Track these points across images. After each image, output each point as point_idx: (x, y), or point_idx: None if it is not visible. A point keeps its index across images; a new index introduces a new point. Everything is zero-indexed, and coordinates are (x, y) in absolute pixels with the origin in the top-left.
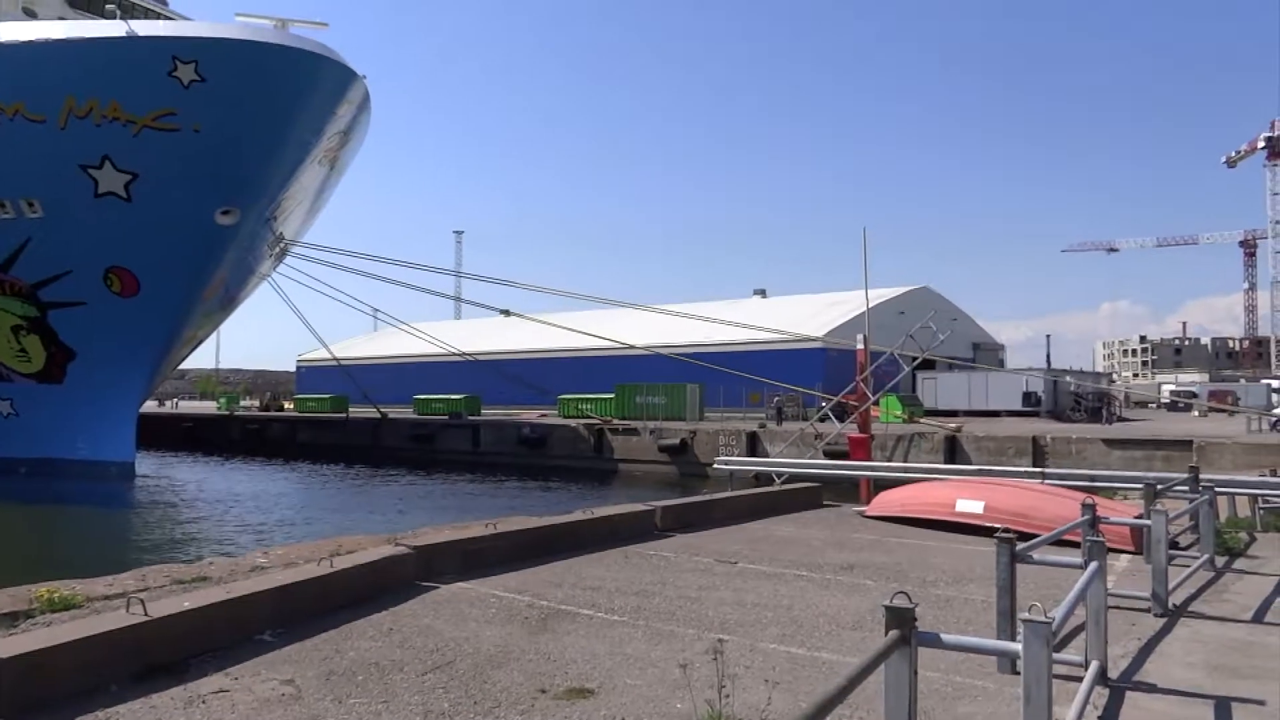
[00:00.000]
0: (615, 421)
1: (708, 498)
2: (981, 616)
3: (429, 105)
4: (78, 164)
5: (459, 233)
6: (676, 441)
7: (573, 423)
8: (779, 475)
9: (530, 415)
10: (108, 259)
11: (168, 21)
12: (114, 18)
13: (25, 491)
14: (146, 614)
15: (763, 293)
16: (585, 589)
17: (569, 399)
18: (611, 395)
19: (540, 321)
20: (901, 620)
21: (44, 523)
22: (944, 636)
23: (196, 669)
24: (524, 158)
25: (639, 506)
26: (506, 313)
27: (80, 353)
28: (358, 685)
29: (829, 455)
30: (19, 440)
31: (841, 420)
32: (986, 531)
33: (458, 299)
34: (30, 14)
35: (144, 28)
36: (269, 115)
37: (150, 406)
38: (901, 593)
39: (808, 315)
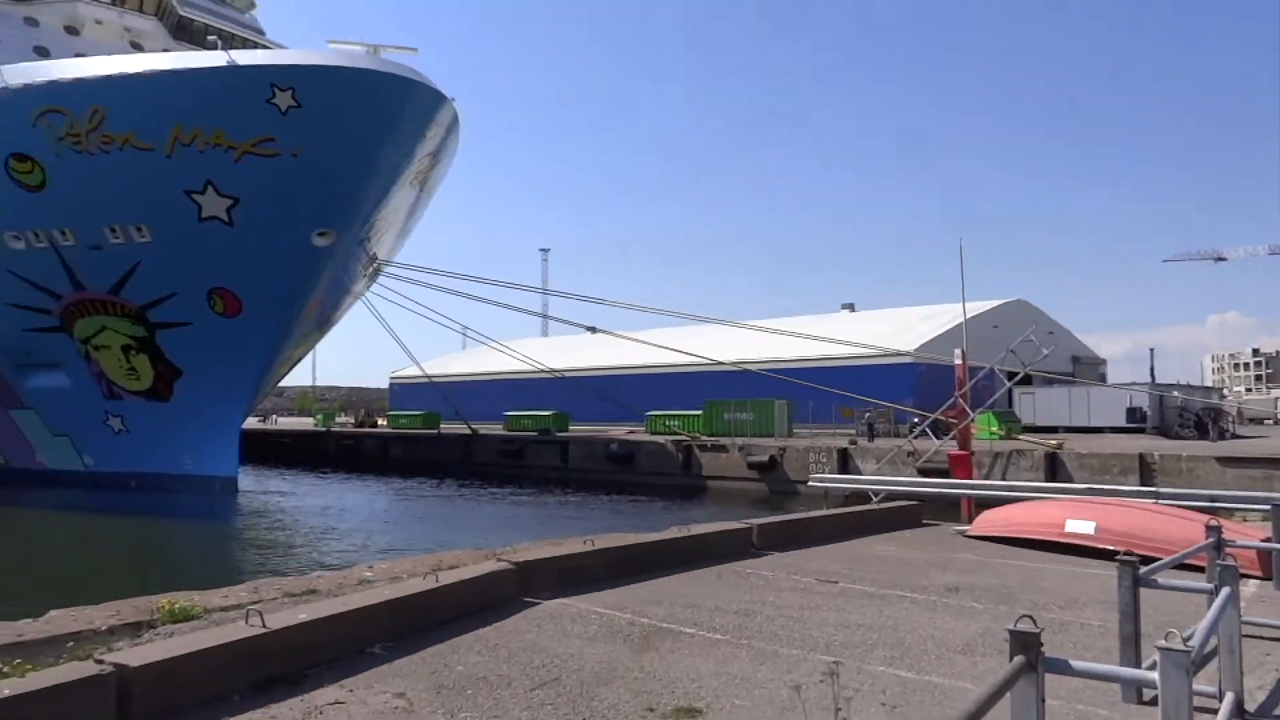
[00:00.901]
0: (703, 438)
1: (804, 516)
2: (1099, 642)
3: (516, 123)
4: (183, 190)
5: (545, 250)
6: (765, 458)
7: (660, 439)
8: (875, 493)
9: (618, 431)
10: (211, 281)
11: (265, 50)
12: (215, 48)
13: (136, 504)
14: (264, 625)
15: (851, 307)
16: (685, 607)
17: (657, 415)
18: (699, 411)
19: (627, 338)
20: (1027, 645)
21: (155, 535)
22: (1074, 664)
23: (313, 680)
24: (611, 174)
25: (735, 524)
26: (593, 329)
27: (187, 371)
28: (468, 699)
29: (926, 473)
30: (130, 455)
31: (939, 437)
32: (1098, 554)
33: (545, 316)
34: (137, 47)
35: (243, 57)
36: (362, 139)
37: (252, 423)
38: (1026, 616)
39: (898, 330)
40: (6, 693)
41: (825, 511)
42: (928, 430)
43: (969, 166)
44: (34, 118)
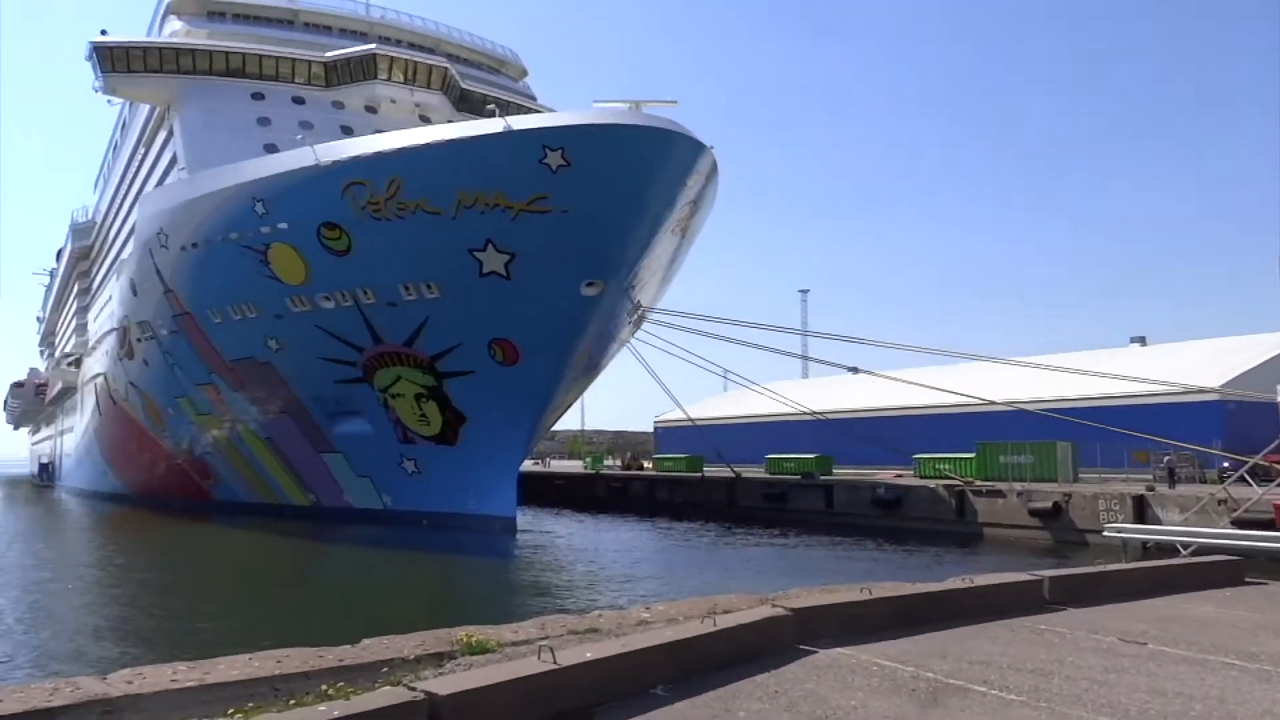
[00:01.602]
0: (977, 482)
1: (1102, 569)
2: None
3: (772, 163)
4: (467, 249)
5: (804, 291)
6: (1048, 505)
7: (931, 483)
8: (1185, 546)
9: (884, 475)
10: (492, 332)
11: (537, 114)
12: (493, 115)
13: (427, 541)
14: (555, 662)
15: (1142, 340)
16: (973, 663)
17: (926, 458)
18: (972, 455)
19: (891, 378)
20: None
21: (444, 570)
22: None
23: (601, 718)
24: (871, 210)
25: (1023, 576)
26: (855, 370)
27: (471, 417)
28: None
29: (1245, 524)
30: (421, 495)
31: (1259, 483)
32: None
33: (805, 357)
34: (426, 120)
35: (518, 122)
36: (627, 192)
37: (528, 465)
38: None
39: (1199, 364)
40: (336, 714)
41: (1126, 565)
42: (1245, 476)
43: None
44: (341, 190)
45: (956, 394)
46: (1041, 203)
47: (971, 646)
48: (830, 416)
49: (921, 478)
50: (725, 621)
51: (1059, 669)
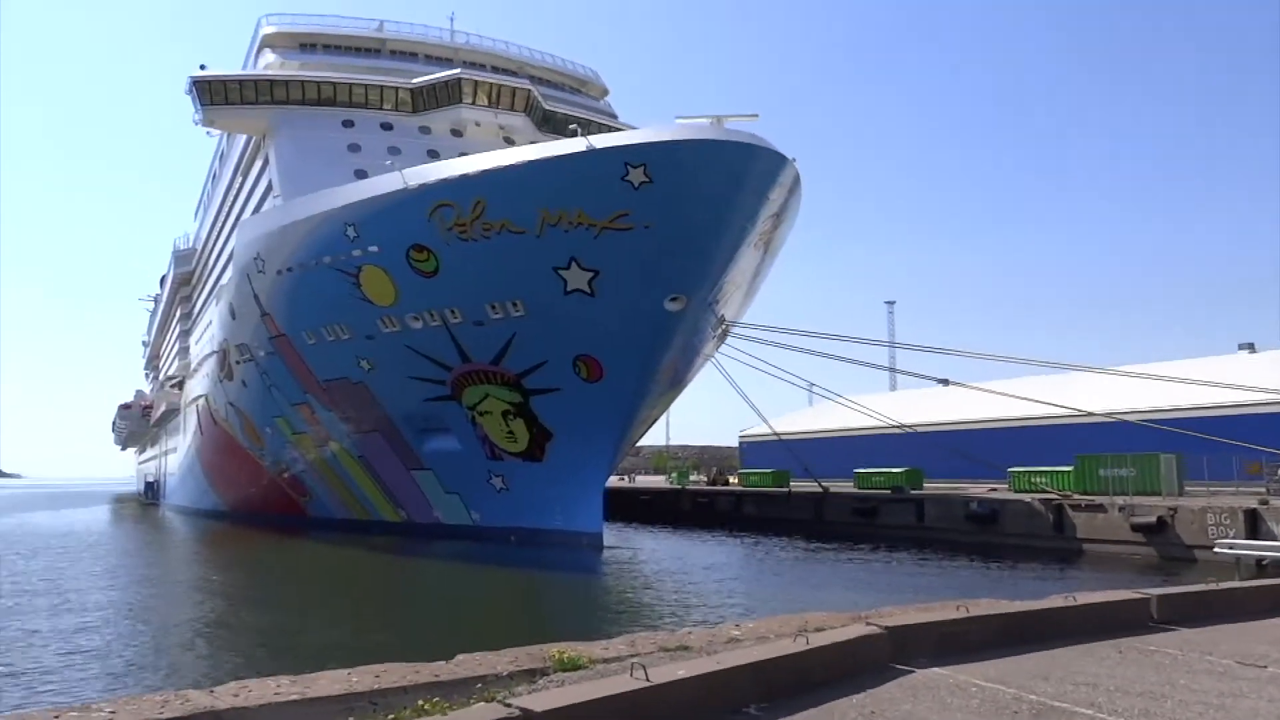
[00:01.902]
0: (1076, 496)
1: (1215, 587)
2: None
3: (857, 175)
4: (551, 267)
5: (890, 303)
6: (1152, 519)
7: (1026, 497)
8: None
9: (977, 489)
10: (576, 348)
11: (618, 133)
12: (576, 135)
13: (515, 557)
14: (648, 679)
15: (1250, 347)
16: (1077, 684)
17: (1020, 472)
18: (1070, 467)
19: (983, 390)
20: None
21: (532, 586)
22: None
23: None
24: (956, 218)
25: (1128, 594)
26: (945, 382)
27: (557, 433)
28: None
29: None
30: (509, 511)
31: None
32: None
33: (893, 370)
34: (510, 141)
35: (599, 141)
36: (710, 206)
37: (613, 481)
38: None
39: None
40: None
41: (1240, 583)
42: None
43: None
44: (429, 213)
45: (1052, 405)
46: (1139, 208)
47: (1076, 667)
48: (920, 429)
49: (1016, 492)
50: (818, 640)
51: (1171, 692)
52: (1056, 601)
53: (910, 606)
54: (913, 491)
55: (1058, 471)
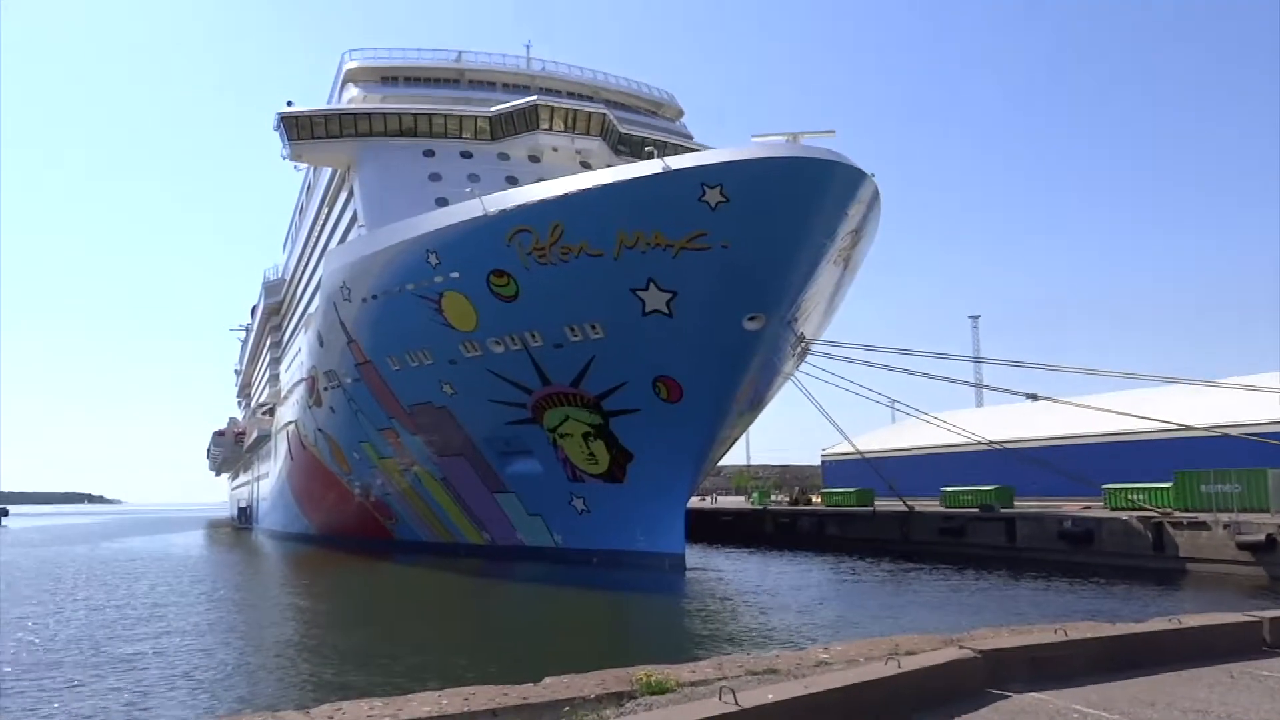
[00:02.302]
0: (1176, 513)
1: None
2: None
3: (936, 188)
4: (629, 288)
5: (975, 317)
6: (1260, 537)
7: (1123, 515)
8: None
9: (1070, 507)
10: (655, 369)
11: (695, 153)
12: (652, 157)
13: (598, 579)
14: (737, 703)
15: None
16: (1186, 712)
17: (1116, 489)
18: (1169, 484)
19: (1074, 404)
20: None
21: (616, 607)
22: None
23: None
24: (1049, 231)
25: (1238, 616)
26: (1034, 397)
27: (637, 455)
28: None
29: None
30: (591, 533)
31: None
32: None
33: (979, 385)
34: (586, 165)
35: (675, 162)
36: (787, 224)
37: (694, 502)
38: None
39: None
40: None
41: None
42: None
43: None
44: (507, 238)
45: (1149, 419)
46: (1240, 207)
47: (1183, 693)
48: (1008, 446)
49: (1112, 509)
50: (909, 663)
51: None
52: (1160, 624)
53: (1004, 629)
54: (1003, 510)
55: (1156, 488)
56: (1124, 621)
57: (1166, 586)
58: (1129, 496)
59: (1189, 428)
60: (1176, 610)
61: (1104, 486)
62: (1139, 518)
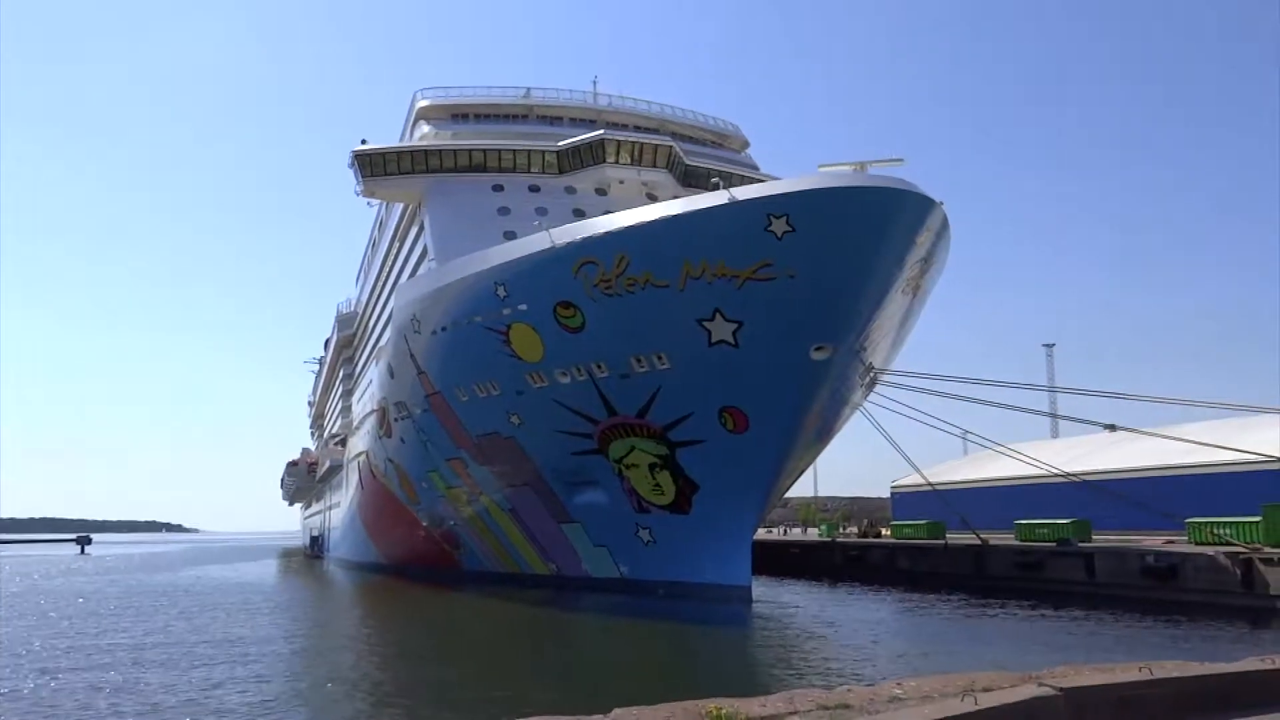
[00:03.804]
0: (1267, 549)
1: None
2: None
3: (1010, 215)
4: (695, 319)
5: (1049, 345)
6: None
7: (1209, 550)
8: None
9: (1152, 542)
10: (721, 400)
11: (760, 184)
12: (717, 188)
13: (664, 610)
14: None
15: None
16: None
17: (1201, 523)
18: (1257, 518)
19: (1156, 435)
20: None
21: (682, 639)
22: None
23: None
24: (1120, 256)
25: None
26: (1112, 427)
27: (703, 486)
28: None
29: None
30: (656, 564)
31: None
32: None
33: (1054, 415)
34: (652, 198)
35: (741, 193)
36: (854, 254)
37: (761, 534)
38: None
39: None
40: None
41: None
42: None
43: None
44: (574, 270)
45: (1235, 450)
46: None
47: None
48: (1086, 478)
49: (1197, 544)
50: (987, 700)
51: None
52: (1252, 664)
53: (1085, 666)
54: (1080, 544)
55: (1243, 522)
56: (1211, 661)
57: (1256, 625)
58: (1214, 531)
59: (1275, 459)
60: (1266, 650)
61: (1187, 520)
62: (1226, 553)
